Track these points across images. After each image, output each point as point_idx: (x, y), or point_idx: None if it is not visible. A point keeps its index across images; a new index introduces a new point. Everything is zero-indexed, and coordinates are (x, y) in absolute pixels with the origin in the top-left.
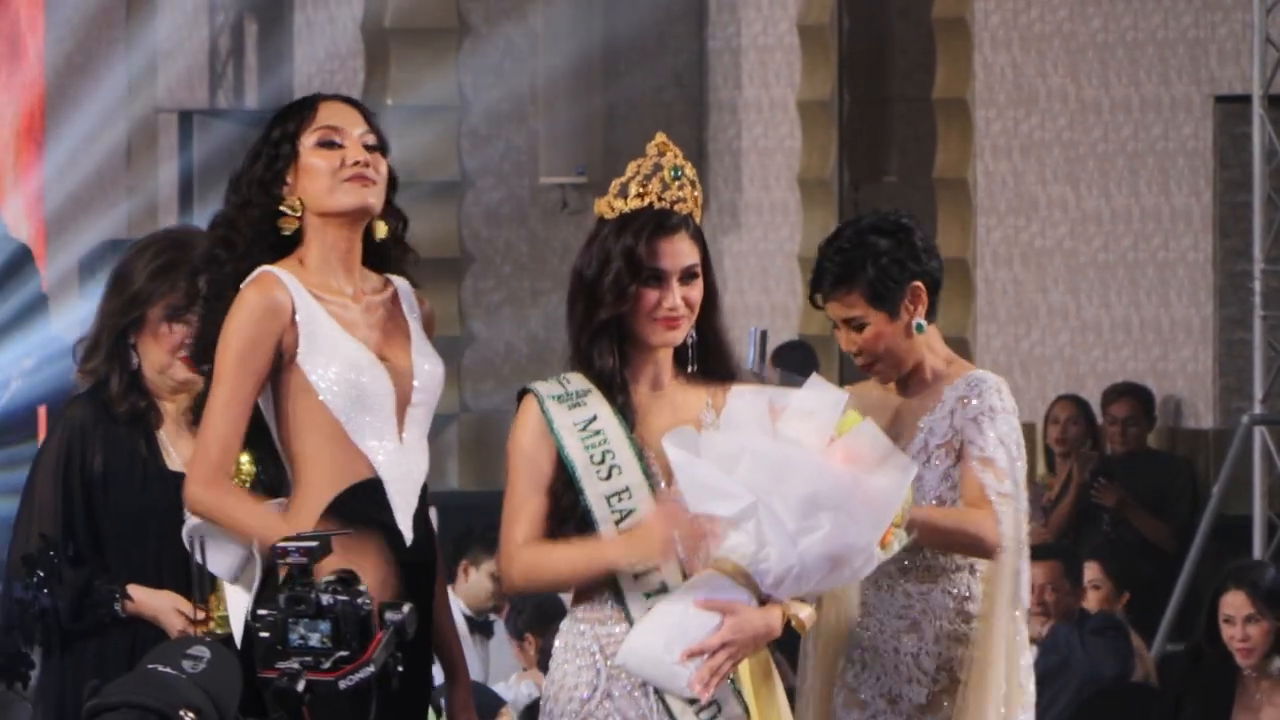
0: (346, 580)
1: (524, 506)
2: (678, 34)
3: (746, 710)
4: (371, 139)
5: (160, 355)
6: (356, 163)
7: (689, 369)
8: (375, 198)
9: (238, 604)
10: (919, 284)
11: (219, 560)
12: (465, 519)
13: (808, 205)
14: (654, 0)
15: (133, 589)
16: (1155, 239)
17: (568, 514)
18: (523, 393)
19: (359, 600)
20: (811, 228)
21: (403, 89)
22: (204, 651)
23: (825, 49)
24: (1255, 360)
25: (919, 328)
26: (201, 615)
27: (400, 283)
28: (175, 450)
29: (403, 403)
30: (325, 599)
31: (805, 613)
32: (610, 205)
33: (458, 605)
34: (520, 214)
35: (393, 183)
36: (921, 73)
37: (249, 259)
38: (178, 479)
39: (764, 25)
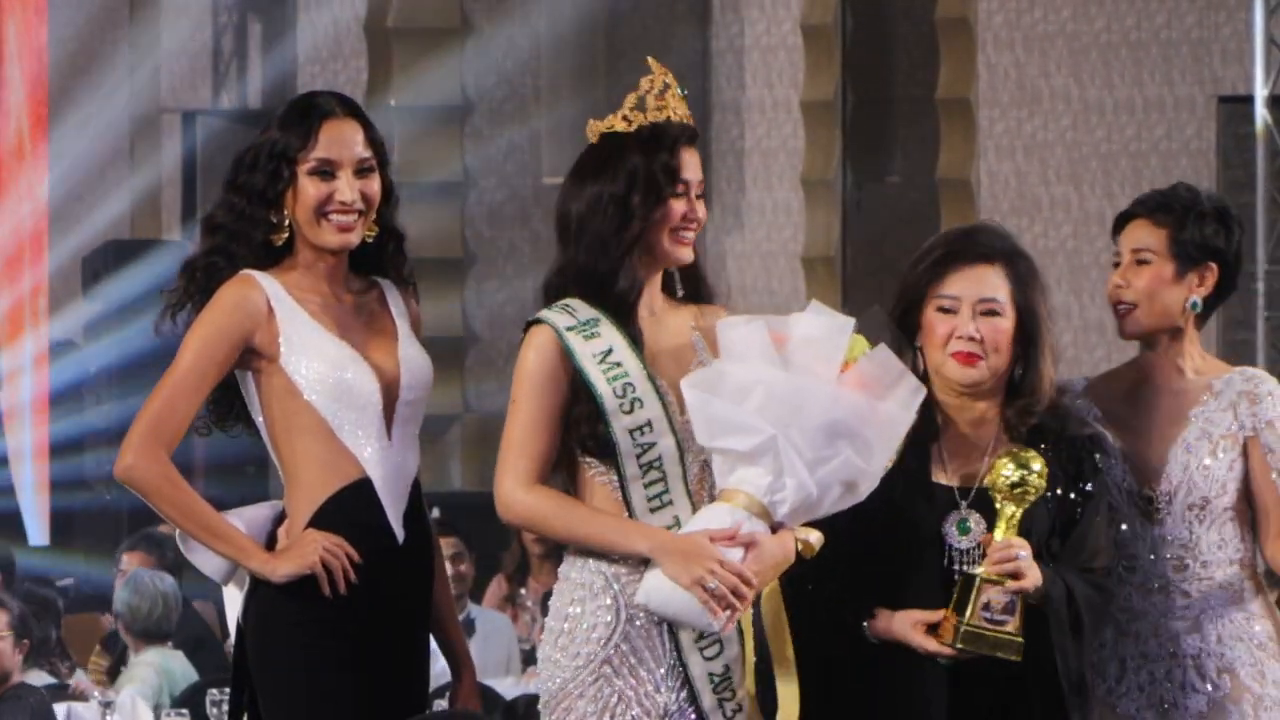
0: None
1: (529, 443)
2: (681, 34)
3: (749, 650)
4: (368, 160)
5: None
6: (342, 203)
7: (677, 293)
8: (357, 235)
9: (233, 604)
10: (1216, 267)
11: (206, 561)
12: (468, 519)
13: (811, 205)
14: (657, 0)
15: None
16: None
17: (588, 441)
18: (532, 323)
19: None
20: (814, 228)
21: (406, 89)
22: None
23: (828, 49)
24: (1258, 361)
25: (1194, 305)
26: None
27: (386, 283)
28: None
29: (390, 401)
30: None
31: (814, 536)
32: (626, 119)
33: None
34: (523, 214)
35: (387, 195)
36: (925, 73)
37: (246, 265)
38: None
39: (767, 25)
